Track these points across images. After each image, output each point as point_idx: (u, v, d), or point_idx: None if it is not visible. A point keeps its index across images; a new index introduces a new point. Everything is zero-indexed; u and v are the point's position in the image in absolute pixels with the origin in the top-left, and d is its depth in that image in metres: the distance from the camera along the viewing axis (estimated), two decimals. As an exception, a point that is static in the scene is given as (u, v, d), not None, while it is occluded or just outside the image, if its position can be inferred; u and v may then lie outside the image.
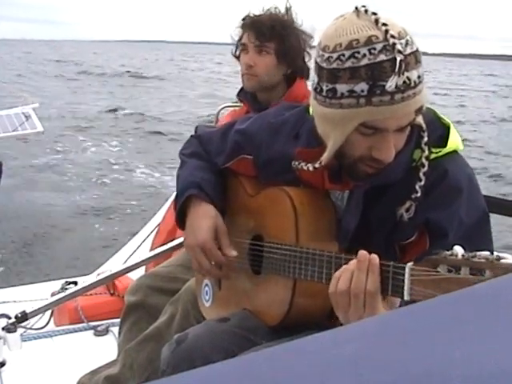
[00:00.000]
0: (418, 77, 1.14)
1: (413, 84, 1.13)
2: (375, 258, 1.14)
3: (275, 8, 2.10)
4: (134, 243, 3.42)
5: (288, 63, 2.11)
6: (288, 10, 2.11)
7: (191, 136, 1.74)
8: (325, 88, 1.19)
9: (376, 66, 1.12)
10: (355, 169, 1.25)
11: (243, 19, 2.13)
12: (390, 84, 1.10)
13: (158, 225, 3.20)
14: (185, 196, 1.52)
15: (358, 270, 1.13)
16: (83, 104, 17.46)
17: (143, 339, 1.89)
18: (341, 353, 0.39)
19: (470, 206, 1.24)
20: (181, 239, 2.11)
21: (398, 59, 1.10)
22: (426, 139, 1.24)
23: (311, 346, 0.41)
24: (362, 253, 1.14)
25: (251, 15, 2.11)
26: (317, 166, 1.29)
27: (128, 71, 31.87)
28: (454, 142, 1.28)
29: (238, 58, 2.19)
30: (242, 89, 2.23)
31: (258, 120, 1.55)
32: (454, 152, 1.28)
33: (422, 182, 1.22)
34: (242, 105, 2.31)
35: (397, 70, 1.10)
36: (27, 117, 4.98)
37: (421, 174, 1.22)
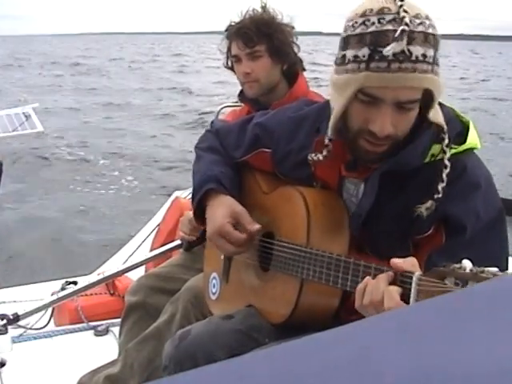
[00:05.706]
0: (423, 55, 1.14)
1: (414, 58, 1.13)
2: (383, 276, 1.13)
3: (253, 9, 2.11)
4: (133, 243, 3.42)
5: (282, 59, 2.12)
6: (264, 7, 2.12)
7: (206, 130, 1.74)
8: (339, 56, 1.22)
9: (380, 34, 1.14)
10: (357, 146, 1.26)
11: (226, 30, 2.13)
12: (388, 49, 1.12)
13: (158, 225, 3.20)
14: (203, 190, 1.52)
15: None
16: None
17: (143, 339, 1.90)
18: (341, 353, 0.39)
19: (487, 203, 1.25)
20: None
21: (401, 28, 1.12)
22: (447, 141, 1.24)
23: (311, 346, 0.41)
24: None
25: (232, 24, 2.11)
26: (326, 141, 1.32)
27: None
28: (473, 139, 1.29)
29: (230, 68, 2.19)
30: (242, 90, 2.23)
31: (277, 114, 1.56)
32: (471, 150, 1.29)
33: (445, 184, 1.22)
34: (243, 105, 2.31)
35: (397, 35, 1.12)
36: (27, 117, 4.97)
37: (444, 176, 1.23)
